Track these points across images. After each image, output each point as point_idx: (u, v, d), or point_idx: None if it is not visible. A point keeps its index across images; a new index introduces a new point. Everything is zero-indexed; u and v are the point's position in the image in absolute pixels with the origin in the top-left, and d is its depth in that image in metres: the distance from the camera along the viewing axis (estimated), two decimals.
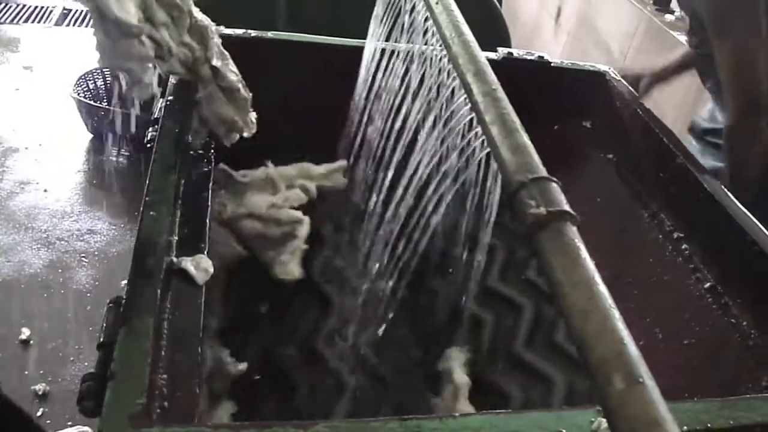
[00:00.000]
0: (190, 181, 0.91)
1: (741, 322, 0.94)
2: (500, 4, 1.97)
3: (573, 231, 0.45)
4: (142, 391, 0.59)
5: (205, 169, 0.95)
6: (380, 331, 0.91)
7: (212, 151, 0.99)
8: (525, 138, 0.53)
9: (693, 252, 1.04)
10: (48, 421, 1.54)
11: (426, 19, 0.79)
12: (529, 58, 1.27)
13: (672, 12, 2.49)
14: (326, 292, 1.10)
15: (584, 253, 0.44)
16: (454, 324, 1.03)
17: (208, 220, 0.87)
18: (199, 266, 0.79)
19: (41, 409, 1.56)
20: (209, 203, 0.89)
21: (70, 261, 1.99)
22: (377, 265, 0.92)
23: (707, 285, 1.00)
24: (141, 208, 0.79)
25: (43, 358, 1.69)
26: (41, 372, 1.65)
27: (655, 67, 1.70)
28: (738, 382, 0.90)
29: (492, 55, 1.24)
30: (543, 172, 0.49)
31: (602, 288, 0.41)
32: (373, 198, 0.94)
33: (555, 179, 0.49)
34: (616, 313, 0.40)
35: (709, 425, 0.66)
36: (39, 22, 3.39)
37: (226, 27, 1.20)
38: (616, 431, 0.36)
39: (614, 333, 0.38)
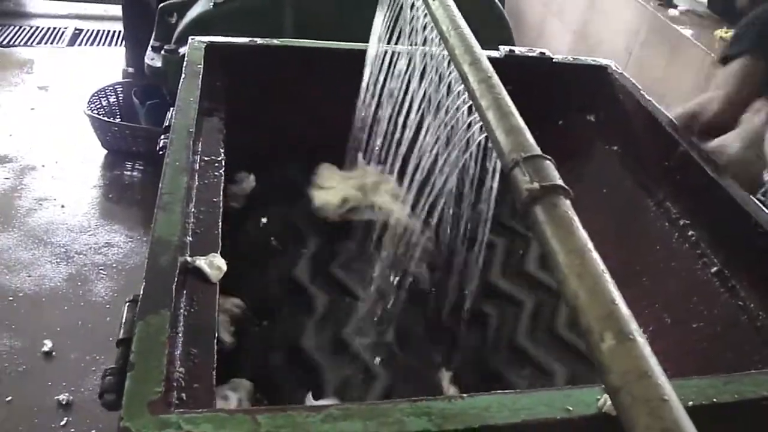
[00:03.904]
0: (203, 183, 0.94)
1: (748, 304, 0.96)
2: (503, 6, 1.99)
3: (566, 204, 0.47)
4: (160, 381, 0.62)
5: (217, 173, 0.98)
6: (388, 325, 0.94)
7: (223, 153, 1.01)
8: (519, 120, 0.55)
9: (699, 238, 1.06)
10: (72, 430, 1.56)
11: (425, 15, 0.81)
12: (530, 54, 1.29)
13: (675, 6, 2.50)
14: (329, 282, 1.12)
15: (577, 224, 0.45)
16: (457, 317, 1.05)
17: (220, 221, 0.90)
18: (213, 265, 0.82)
19: (65, 419, 1.59)
20: (221, 204, 0.92)
21: (88, 274, 2.02)
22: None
23: (714, 269, 1.01)
24: (155, 210, 0.82)
25: (65, 369, 1.71)
26: (64, 383, 1.67)
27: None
28: (747, 363, 0.91)
29: (494, 53, 1.26)
30: (536, 150, 0.51)
31: (595, 254, 0.43)
32: None
33: (548, 157, 0.51)
34: (608, 277, 0.42)
35: (715, 400, 0.67)
36: (52, 43, 3.45)
37: (234, 37, 1.23)
38: (608, 385, 0.37)
39: (606, 294, 0.40)
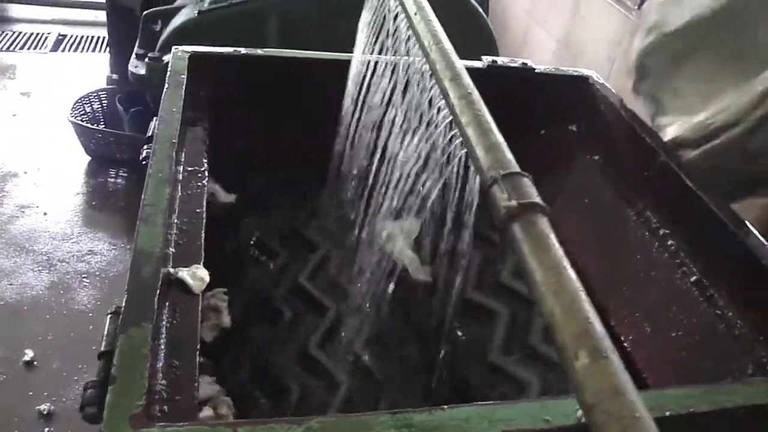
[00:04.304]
0: (186, 193, 0.94)
1: (727, 313, 0.97)
2: (487, 15, 2.00)
3: (543, 221, 0.48)
4: (141, 394, 0.61)
5: (200, 183, 0.98)
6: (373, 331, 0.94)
7: (206, 164, 1.01)
8: (498, 137, 0.56)
9: (679, 247, 1.07)
10: None
11: (407, 29, 0.82)
12: (513, 65, 1.30)
13: None
14: (319, 298, 1.12)
15: (554, 241, 0.46)
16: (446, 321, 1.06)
17: (203, 232, 0.90)
18: (195, 276, 0.82)
19: (46, 429, 1.58)
20: (204, 215, 0.92)
21: (71, 282, 2.01)
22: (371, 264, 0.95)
23: (693, 279, 1.03)
24: (137, 221, 0.82)
25: (47, 378, 1.71)
26: (45, 393, 1.67)
27: None
28: (725, 372, 0.92)
29: (477, 63, 1.27)
30: (515, 167, 0.52)
31: (571, 272, 0.44)
32: (364, 201, 0.97)
33: (526, 174, 0.52)
34: (583, 295, 0.42)
35: (692, 410, 0.68)
36: (35, 48, 3.43)
37: (219, 45, 1.23)
38: (583, 403, 0.38)
39: (581, 312, 0.41)
